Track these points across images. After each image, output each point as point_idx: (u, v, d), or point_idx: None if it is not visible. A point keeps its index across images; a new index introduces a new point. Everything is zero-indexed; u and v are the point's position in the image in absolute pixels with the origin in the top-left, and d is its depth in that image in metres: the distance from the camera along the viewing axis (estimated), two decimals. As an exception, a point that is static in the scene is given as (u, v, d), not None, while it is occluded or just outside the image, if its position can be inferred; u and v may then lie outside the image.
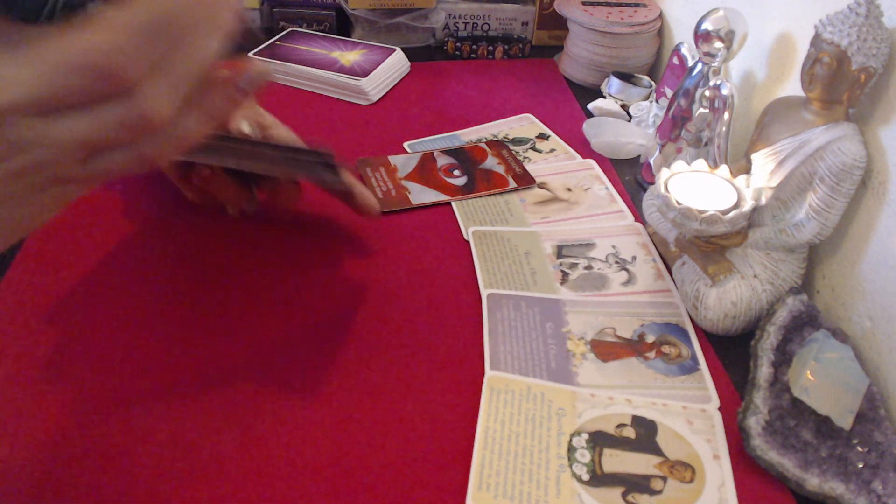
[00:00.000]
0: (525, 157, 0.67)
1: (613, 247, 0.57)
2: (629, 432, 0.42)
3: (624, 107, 0.74)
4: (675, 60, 0.70)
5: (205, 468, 0.39)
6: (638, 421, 0.43)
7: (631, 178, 0.66)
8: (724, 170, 0.50)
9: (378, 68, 0.77)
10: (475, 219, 0.59)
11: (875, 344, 0.46)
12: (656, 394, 0.45)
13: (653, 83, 0.76)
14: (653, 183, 0.60)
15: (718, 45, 0.57)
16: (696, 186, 0.49)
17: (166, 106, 0.27)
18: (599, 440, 0.41)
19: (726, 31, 0.56)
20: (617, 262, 0.55)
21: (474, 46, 0.87)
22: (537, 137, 0.71)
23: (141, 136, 0.28)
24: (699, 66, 0.59)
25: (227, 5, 0.29)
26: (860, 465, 0.40)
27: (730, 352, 0.48)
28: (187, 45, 0.28)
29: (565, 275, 0.53)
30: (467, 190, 0.62)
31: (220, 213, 0.55)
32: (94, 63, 0.25)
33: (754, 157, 0.51)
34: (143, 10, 0.26)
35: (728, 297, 0.48)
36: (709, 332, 0.50)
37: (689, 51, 0.67)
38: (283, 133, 0.51)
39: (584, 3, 0.82)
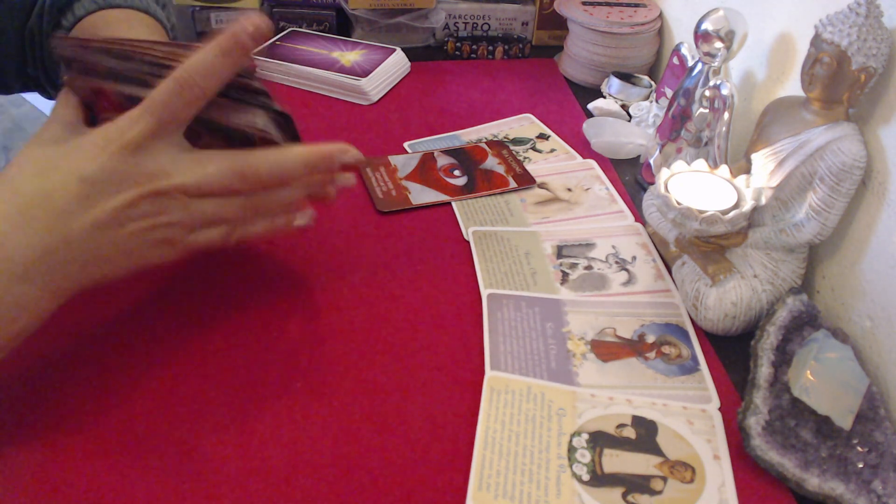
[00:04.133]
0: (525, 157, 0.67)
1: (613, 247, 0.57)
2: (629, 432, 0.42)
3: (624, 107, 0.74)
4: (675, 60, 0.70)
5: (205, 468, 0.39)
6: (638, 421, 0.43)
7: (631, 178, 0.66)
8: (724, 170, 0.50)
9: (378, 68, 0.77)
10: (475, 219, 0.59)
11: (875, 344, 0.46)
12: (656, 394, 0.45)
13: (653, 83, 0.76)
14: (653, 183, 0.60)
15: (718, 45, 0.57)
16: (696, 186, 0.49)
17: (266, 217, 0.43)
18: (600, 440, 0.41)
19: (726, 31, 0.56)
20: (617, 262, 0.55)
21: (474, 46, 0.87)
22: (537, 137, 0.71)
23: (238, 227, 0.41)
24: (699, 66, 0.59)
25: (317, 176, 0.45)
26: (860, 465, 0.40)
27: (730, 352, 0.48)
28: (292, 187, 0.43)
29: (565, 275, 0.53)
30: (467, 190, 0.62)
31: None
32: (245, 174, 0.39)
33: (754, 157, 0.51)
34: (283, 156, 0.41)
35: (728, 297, 0.48)
36: (709, 332, 0.50)
37: (689, 51, 0.67)
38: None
39: (584, 3, 0.82)
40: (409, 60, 0.82)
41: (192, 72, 0.37)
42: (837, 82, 0.45)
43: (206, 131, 0.40)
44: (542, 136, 0.71)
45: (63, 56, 0.41)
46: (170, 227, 0.38)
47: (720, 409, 0.44)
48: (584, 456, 0.41)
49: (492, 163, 0.66)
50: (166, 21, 0.59)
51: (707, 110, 0.58)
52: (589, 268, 0.54)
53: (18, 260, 0.35)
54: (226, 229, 0.41)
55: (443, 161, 0.66)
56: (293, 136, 0.43)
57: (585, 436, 0.42)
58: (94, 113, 0.42)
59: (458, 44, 0.87)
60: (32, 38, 0.55)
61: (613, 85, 0.76)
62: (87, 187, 0.35)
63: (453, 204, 0.61)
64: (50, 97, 0.63)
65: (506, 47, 0.87)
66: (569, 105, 0.78)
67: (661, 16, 0.82)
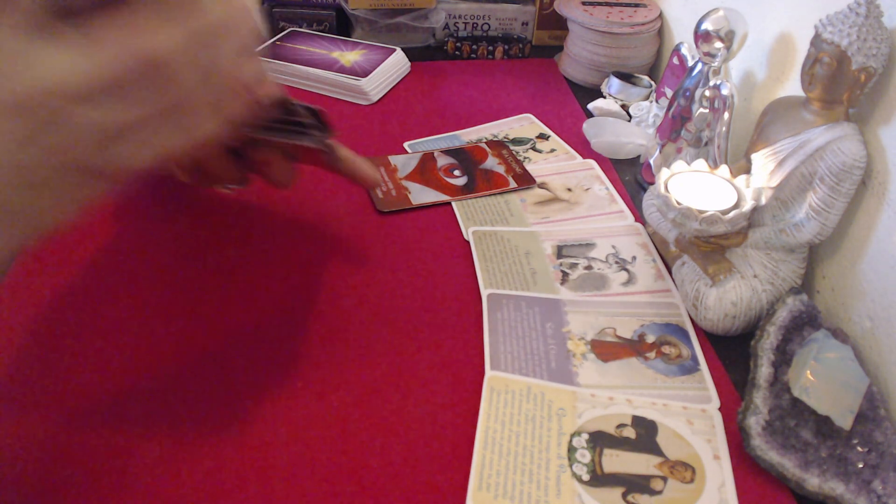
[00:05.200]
0: (525, 157, 0.67)
1: (613, 247, 0.57)
2: (629, 432, 0.42)
3: (624, 107, 0.74)
4: (675, 60, 0.70)
5: (205, 468, 0.39)
6: (638, 421, 0.43)
7: (631, 178, 0.66)
8: (724, 170, 0.50)
9: (378, 68, 0.77)
10: (475, 219, 0.59)
11: (875, 344, 0.46)
12: (656, 394, 0.45)
13: (653, 83, 0.76)
14: (653, 183, 0.60)
15: (718, 45, 0.57)
16: (696, 186, 0.49)
17: (198, 98, 0.30)
18: (600, 440, 0.41)
19: (726, 31, 0.56)
20: (617, 262, 0.55)
21: (474, 46, 0.87)
22: (537, 137, 0.71)
23: (166, 121, 0.30)
24: (699, 66, 0.59)
25: (250, 24, 0.32)
26: (860, 465, 0.40)
27: (730, 352, 0.48)
28: (225, 55, 0.31)
29: (565, 275, 0.53)
30: (467, 190, 0.62)
31: (211, 190, 0.53)
32: (152, 61, 0.28)
33: (754, 157, 0.51)
34: (205, 19, 0.30)
35: (728, 297, 0.48)
36: (709, 332, 0.50)
37: (689, 51, 0.67)
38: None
39: (584, 3, 0.82)
40: (409, 60, 0.82)
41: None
42: (837, 82, 0.45)
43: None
44: (542, 136, 0.71)
45: None
46: (62, 149, 0.28)
47: (720, 409, 0.44)
48: (584, 456, 0.41)
49: (492, 163, 0.66)
50: None
51: (707, 110, 0.58)
52: (589, 268, 0.54)
53: None
54: (162, 134, 0.30)
55: (443, 161, 0.66)
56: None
57: (585, 436, 0.42)
58: None
59: (458, 44, 0.87)
60: None
61: (613, 85, 0.76)
62: None
63: (453, 204, 0.61)
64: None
65: (506, 47, 0.87)
66: (569, 105, 0.78)
67: (661, 16, 0.82)
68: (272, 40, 0.82)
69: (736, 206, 0.47)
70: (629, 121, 0.73)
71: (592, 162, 0.67)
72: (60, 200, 0.30)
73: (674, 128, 0.61)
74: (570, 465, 0.40)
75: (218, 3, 0.30)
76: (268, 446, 0.40)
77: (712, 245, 0.49)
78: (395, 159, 0.66)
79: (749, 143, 0.53)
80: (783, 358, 0.45)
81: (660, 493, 0.39)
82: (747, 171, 0.51)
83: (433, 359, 0.46)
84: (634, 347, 0.48)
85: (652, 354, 0.47)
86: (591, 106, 0.75)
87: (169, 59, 0.28)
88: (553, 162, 0.67)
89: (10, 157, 0.27)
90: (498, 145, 0.69)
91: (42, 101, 0.27)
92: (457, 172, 0.64)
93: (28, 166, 0.28)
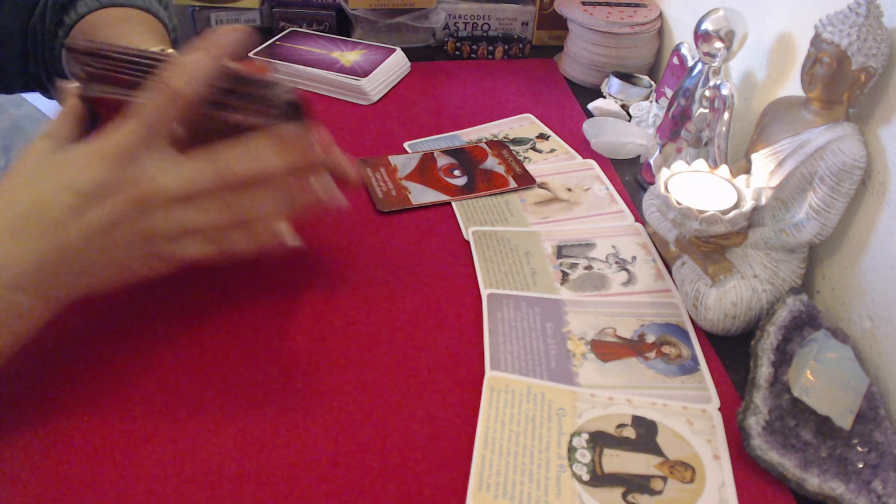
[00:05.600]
0: (525, 157, 0.67)
1: (613, 247, 0.57)
2: (629, 432, 0.42)
3: (624, 107, 0.74)
4: (675, 60, 0.70)
5: (205, 468, 0.39)
6: (638, 421, 0.43)
7: (631, 178, 0.66)
8: (724, 170, 0.50)
9: (378, 68, 0.77)
10: (475, 219, 0.59)
11: (875, 344, 0.46)
12: (656, 394, 0.45)
13: (653, 83, 0.76)
14: (653, 183, 0.60)
15: (718, 45, 0.57)
16: (696, 186, 0.49)
17: (268, 217, 0.40)
18: (600, 440, 0.41)
19: (726, 31, 0.56)
20: (617, 262, 0.55)
21: (474, 46, 0.87)
22: (537, 137, 0.71)
23: (227, 234, 0.40)
24: (699, 66, 0.59)
25: (302, 158, 0.41)
26: (860, 465, 0.40)
27: (730, 352, 0.48)
28: (302, 187, 0.42)
29: (565, 275, 0.53)
30: (467, 190, 0.62)
31: None
32: (219, 178, 0.37)
33: (754, 157, 0.51)
34: (304, 156, 0.40)
35: (728, 297, 0.48)
36: (709, 332, 0.50)
37: (689, 51, 0.67)
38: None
39: (584, 3, 0.82)
40: (409, 60, 0.82)
41: (178, 77, 0.37)
42: (837, 82, 0.45)
43: (213, 135, 0.40)
44: (542, 136, 0.71)
45: (76, 61, 0.40)
46: (154, 236, 0.37)
47: (720, 409, 0.44)
48: (584, 456, 0.41)
49: (492, 163, 0.66)
50: (168, 21, 0.59)
51: (707, 110, 0.58)
52: (589, 268, 0.54)
53: (12, 270, 0.35)
54: (208, 240, 0.40)
55: (443, 161, 0.66)
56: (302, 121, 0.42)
57: (585, 436, 0.42)
58: (97, 117, 0.42)
59: (458, 44, 0.87)
60: (35, 36, 0.55)
61: (613, 85, 0.76)
62: (79, 198, 0.36)
63: (453, 204, 0.61)
64: (51, 96, 0.63)
65: (506, 47, 0.87)
66: (569, 105, 0.78)
67: (661, 16, 0.82)
68: (272, 40, 0.82)
69: (736, 206, 0.47)
70: (629, 121, 0.73)
71: (592, 162, 0.67)
72: (120, 272, 0.39)
73: (674, 128, 0.61)
74: (570, 465, 0.40)
75: (312, 144, 0.40)
76: (268, 446, 0.40)
77: (712, 245, 0.49)
78: (395, 159, 0.66)
79: (749, 143, 0.53)
80: (783, 358, 0.45)
81: (660, 493, 0.39)
82: (747, 171, 0.51)
83: (433, 359, 0.46)
84: (634, 347, 0.48)
85: (652, 354, 0.47)
86: (591, 106, 0.75)
87: (233, 178, 0.38)
88: (553, 162, 0.67)
89: (120, 234, 0.36)
90: (498, 145, 0.69)
91: (156, 200, 0.36)
92: (457, 172, 0.64)
93: (114, 241, 0.36)
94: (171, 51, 0.51)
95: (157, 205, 0.37)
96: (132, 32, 0.53)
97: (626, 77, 0.76)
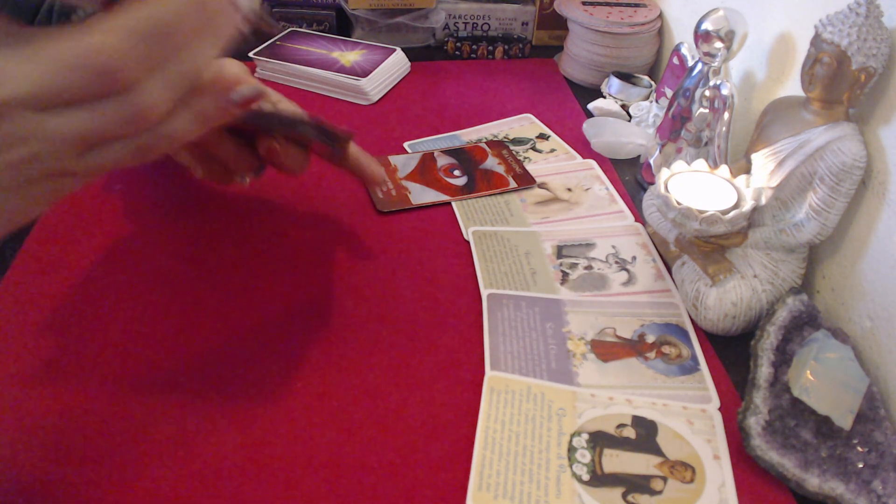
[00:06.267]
0: (525, 157, 0.67)
1: (613, 247, 0.57)
2: (629, 432, 0.42)
3: (624, 107, 0.74)
4: (675, 60, 0.70)
5: (205, 468, 0.39)
6: (638, 421, 0.43)
7: (631, 178, 0.66)
8: (724, 170, 0.50)
9: (378, 68, 0.77)
10: (475, 219, 0.59)
11: (875, 344, 0.46)
12: (656, 394, 0.45)
13: (653, 83, 0.76)
14: (653, 183, 0.60)
15: (718, 45, 0.57)
16: (696, 186, 0.49)
17: (160, 104, 0.28)
18: (600, 440, 0.41)
19: (726, 31, 0.56)
20: (617, 262, 0.55)
21: (474, 46, 0.87)
22: (537, 137, 0.71)
23: (136, 132, 0.29)
24: (699, 66, 0.59)
25: (226, 12, 0.30)
26: (860, 465, 0.40)
27: (730, 352, 0.48)
28: (184, 49, 0.29)
29: (565, 275, 0.53)
30: (467, 190, 0.62)
31: (226, 184, 0.53)
32: (95, 62, 0.26)
33: (754, 157, 0.51)
34: (143, 14, 0.27)
35: (728, 297, 0.48)
36: (709, 332, 0.50)
37: (689, 51, 0.67)
38: (289, 106, 0.50)
39: (584, 3, 0.82)
40: (409, 60, 0.82)
41: None
42: (837, 82, 0.45)
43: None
44: (542, 136, 0.71)
45: None
46: (42, 157, 0.28)
47: (720, 409, 0.44)
48: (584, 456, 0.41)
49: (492, 163, 0.66)
50: None
51: (707, 110, 0.58)
52: (589, 268, 0.54)
53: None
54: (128, 140, 0.29)
55: (443, 161, 0.66)
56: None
57: (585, 436, 0.42)
58: None
59: (458, 44, 0.87)
60: None
61: (613, 85, 0.76)
62: None
63: (453, 204, 0.61)
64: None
65: (506, 47, 0.87)
66: (569, 105, 0.78)
67: (661, 16, 0.82)
68: (272, 40, 0.82)
69: (736, 206, 0.47)
70: (629, 121, 0.73)
71: (592, 162, 0.67)
72: (33, 201, 0.30)
73: (674, 128, 0.61)
74: (570, 465, 0.40)
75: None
76: (268, 446, 0.40)
77: (712, 245, 0.49)
78: (395, 159, 0.66)
79: (749, 143, 0.53)
80: (783, 358, 0.45)
81: (660, 493, 0.39)
82: (747, 171, 0.51)
83: (433, 359, 0.46)
84: (634, 347, 0.48)
85: (652, 354, 0.47)
86: (591, 106, 0.75)
87: (112, 61, 0.27)
88: (553, 162, 0.67)
89: None
90: (498, 145, 0.69)
91: (4, 112, 0.26)
92: (457, 172, 0.64)
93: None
94: None
95: (12, 116, 0.26)
96: None
97: (626, 77, 0.76)
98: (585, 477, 0.39)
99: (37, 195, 0.30)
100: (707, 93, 0.58)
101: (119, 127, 0.28)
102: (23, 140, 0.27)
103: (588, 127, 0.70)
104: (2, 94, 0.26)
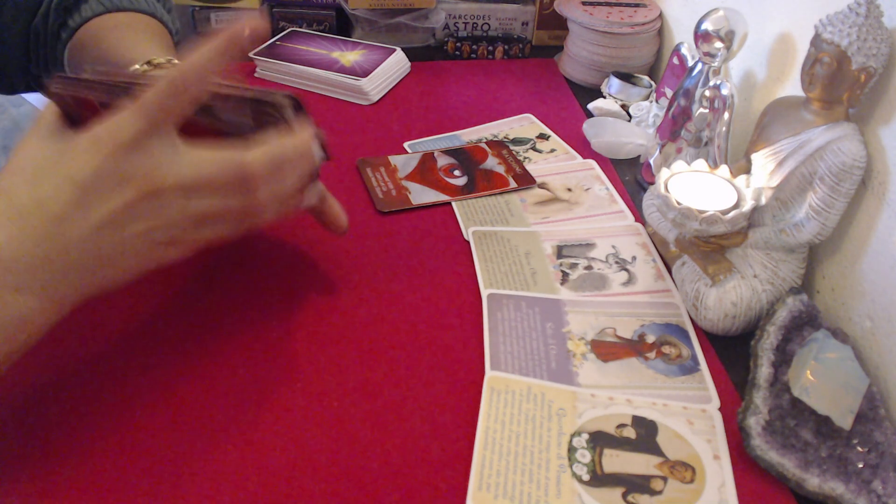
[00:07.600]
0: (525, 157, 0.67)
1: (613, 247, 0.57)
2: (629, 432, 0.42)
3: (624, 107, 0.74)
4: (675, 60, 0.70)
5: (205, 468, 0.39)
6: (638, 421, 0.43)
7: (631, 178, 0.66)
8: (724, 170, 0.50)
9: (378, 68, 0.77)
10: (475, 219, 0.59)
11: (875, 344, 0.46)
12: (656, 394, 0.45)
13: (653, 83, 0.76)
14: (653, 183, 0.60)
15: (718, 45, 0.57)
16: (696, 186, 0.49)
17: (265, 206, 0.40)
18: (600, 440, 0.41)
19: (726, 31, 0.56)
20: (617, 263, 0.55)
21: (474, 46, 0.87)
22: (537, 137, 0.71)
23: (242, 219, 0.40)
24: (699, 66, 0.59)
25: (311, 159, 0.42)
26: (860, 465, 0.40)
27: (730, 352, 0.48)
28: (288, 176, 0.41)
29: (565, 275, 0.53)
30: (467, 190, 0.62)
31: None
32: (245, 170, 0.38)
33: (754, 157, 0.51)
34: (277, 148, 0.39)
35: (728, 297, 0.48)
36: (709, 332, 0.50)
37: (689, 51, 0.67)
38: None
39: (584, 3, 0.82)
40: (409, 60, 0.82)
41: (185, 73, 0.35)
42: (837, 82, 0.45)
43: (205, 121, 0.40)
44: (542, 136, 0.71)
45: (56, 94, 0.39)
46: (171, 226, 0.37)
47: (720, 409, 0.44)
48: (584, 456, 0.41)
49: (492, 163, 0.66)
50: (171, 25, 0.59)
51: (707, 110, 0.58)
52: (589, 268, 0.54)
53: (15, 270, 0.33)
54: (232, 223, 0.40)
55: (443, 161, 0.66)
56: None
57: (585, 436, 0.42)
58: (77, 123, 0.40)
59: (458, 44, 0.87)
60: (37, 38, 0.55)
61: (613, 85, 0.76)
62: (82, 191, 0.34)
63: (453, 204, 0.61)
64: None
65: (506, 47, 0.87)
66: (569, 105, 0.78)
67: (661, 16, 0.82)
68: (272, 40, 0.82)
69: (736, 206, 0.47)
70: (629, 121, 0.73)
71: (592, 162, 0.67)
72: (143, 265, 0.38)
73: (674, 128, 0.61)
74: (571, 465, 0.40)
75: (291, 140, 0.40)
76: (268, 446, 0.40)
77: (712, 245, 0.49)
78: (395, 159, 0.66)
79: (749, 143, 0.53)
80: (783, 358, 0.45)
81: (660, 493, 0.39)
82: (747, 171, 0.51)
83: (433, 359, 0.46)
84: (634, 347, 0.48)
85: (652, 354, 0.47)
86: (591, 106, 0.75)
87: (253, 172, 0.38)
88: (553, 162, 0.67)
89: (132, 227, 0.36)
90: (498, 145, 0.69)
91: (162, 193, 0.36)
92: (457, 172, 0.64)
93: (126, 234, 0.36)
94: (176, 61, 0.51)
95: (169, 194, 0.36)
96: (138, 38, 0.53)
97: (626, 77, 0.76)
98: (585, 477, 0.39)
99: (148, 259, 0.38)
100: (707, 93, 0.58)
101: (234, 214, 0.39)
102: (166, 216, 0.36)
103: (588, 127, 0.70)
104: (167, 181, 0.36)
